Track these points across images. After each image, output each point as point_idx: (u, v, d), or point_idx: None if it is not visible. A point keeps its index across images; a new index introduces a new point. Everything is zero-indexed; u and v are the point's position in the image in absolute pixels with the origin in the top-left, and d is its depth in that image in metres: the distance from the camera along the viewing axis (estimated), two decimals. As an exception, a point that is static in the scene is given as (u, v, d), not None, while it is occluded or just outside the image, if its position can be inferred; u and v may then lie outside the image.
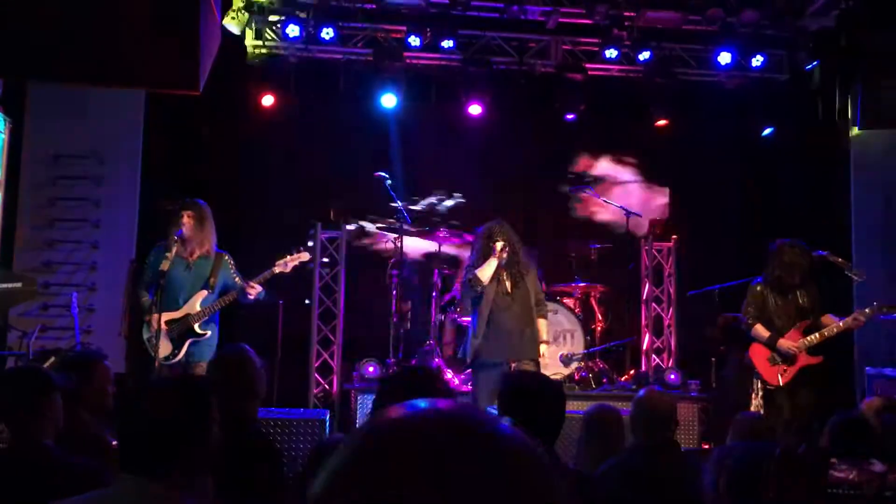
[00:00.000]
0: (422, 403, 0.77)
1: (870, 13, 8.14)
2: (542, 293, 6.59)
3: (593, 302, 8.78)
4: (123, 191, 7.95)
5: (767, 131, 9.65)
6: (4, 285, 6.80)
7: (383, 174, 8.32)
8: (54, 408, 2.96)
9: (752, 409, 6.27)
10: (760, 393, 6.34)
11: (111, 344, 6.98)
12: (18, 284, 6.91)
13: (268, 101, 9.03)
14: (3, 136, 6.92)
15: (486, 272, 6.10)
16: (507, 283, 6.18)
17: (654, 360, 8.94)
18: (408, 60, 9.17)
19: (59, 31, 6.78)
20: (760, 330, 6.38)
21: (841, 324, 6.23)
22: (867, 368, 7.71)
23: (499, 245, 6.09)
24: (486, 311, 6.09)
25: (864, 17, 8.21)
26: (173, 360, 5.65)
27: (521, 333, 6.12)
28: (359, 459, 0.71)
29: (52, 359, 6.15)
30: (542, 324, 6.36)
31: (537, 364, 6.22)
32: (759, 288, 6.48)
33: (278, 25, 8.85)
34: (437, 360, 7.93)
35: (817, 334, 6.27)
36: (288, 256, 5.94)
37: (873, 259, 8.29)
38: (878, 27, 8.07)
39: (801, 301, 6.35)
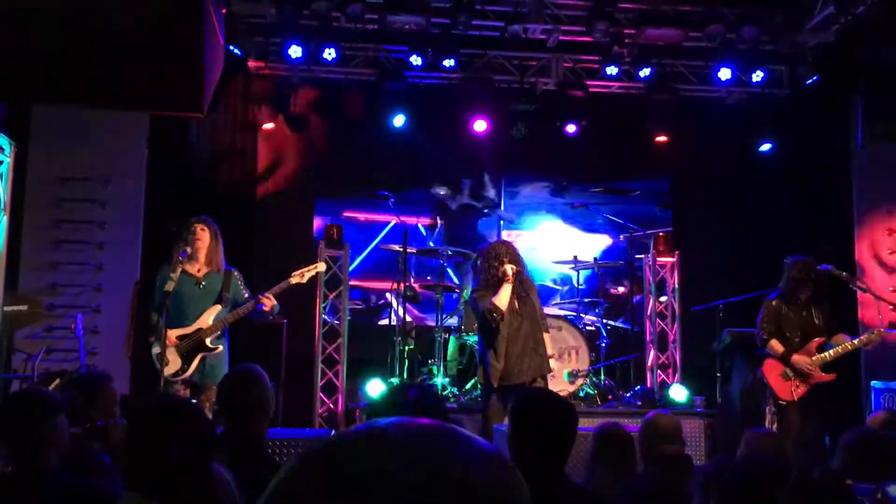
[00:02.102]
0: (376, 423, 0.76)
1: (869, 28, 8.18)
2: (542, 308, 6.60)
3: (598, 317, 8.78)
4: (128, 213, 7.96)
5: (766, 147, 9.68)
6: (10, 308, 6.81)
7: (386, 192, 8.34)
8: (57, 431, 2.94)
9: (767, 424, 6.25)
10: (774, 409, 6.33)
11: (116, 365, 6.97)
12: (24, 307, 6.92)
13: (269, 125, 9.11)
14: (8, 159, 6.95)
15: (503, 300, 6.02)
16: (516, 302, 6.12)
17: (660, 375, 8.91)
18: (409, 80, 9.22)
19: (63, 55, 6.84)
20: (775, 345, 6.38)
21: (855, 342, 6.26)
22: (873, 383, 7.68)
23: (509, 268, 6.03)
24: (504, 334, 6.02)
25: (864, 31, 8.24)
26: (182, 377, 5.57)
27: (535, 351, 6.10)
28: (298, 477, 0.71)
29: (57, 381, 6.15)
30: (546, 338, 6.37)
31: (545, 380, 6.22)
32: (774, 302, 6.48)
33: (281, 46, 8.90)
34: (440, 378, 7.92)
35: (832, 351, 6.27)
36: (304, 268, 5.95)
37: (877, 272, 8.29)
38: (878, 42, 8.11)
39: (815, 318, 6.37)
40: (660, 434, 3.50)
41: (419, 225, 9.98)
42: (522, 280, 6.22)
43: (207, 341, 5.61)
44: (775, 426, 6.22)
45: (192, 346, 5.57)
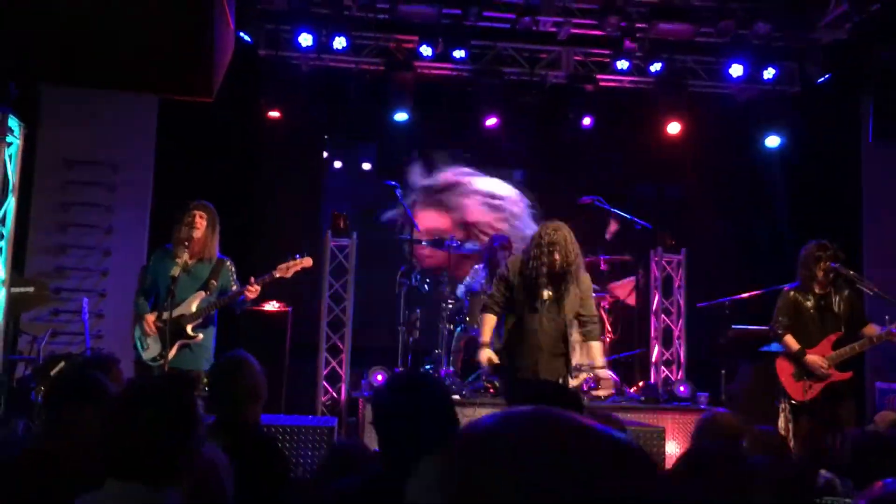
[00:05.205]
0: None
1: (882, 26, 8.12)
2: (590, 311, 5.62)
3: (603, 312, 8.76)
4: (136, 197, 7.98)
5: (776, 143, 9.63)
6: (16, 290, 6.84)
7: (393, 182, 8.33)
8: (78, 417, 2.88)
9: (781, 424, 6.01)
10: (787, 408, 5.96)
11: (121, 349, 6.98)
12: (30, 289, 6.96)
13: (276, 112, 9.12)
14: (17, 140, 6.96)
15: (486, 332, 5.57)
16: (548, 295, 5.41)
17: (664, 371, 8.90)
18: (419, 70, 9.20)
19: (75, 37, 6.85)
20: (790, 341, 5.98)
21: (876, 338, 5.85)
22: (877, 383, 7.66)
23: (546, 294, 5.38)
24: (510, 320, 5.51)
25: (877, 29, 8.19)
26: (161, 362, 5.42)
27: (540, 352, 5.38)
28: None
29: (62, 364, 6.17)
30: (594, 347, 5.63)
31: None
32: (791, 294, 6.08)
33: (291, 34, 8.89)
34: (444, 369, 7.92)
35: (847, 348, 5.89)
36: (290, 261, 5.74)
37: (885, 271, 8.25)
38: (891, 39, 8.06)
39: (836, 308, 5.97)
40: (713, 435, 3.29)
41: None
42: (562, 272, 5.38)
43: (188, 328, 5.48)
44: (790, 426, 5.88)
45: (172, 332, 5.40)
